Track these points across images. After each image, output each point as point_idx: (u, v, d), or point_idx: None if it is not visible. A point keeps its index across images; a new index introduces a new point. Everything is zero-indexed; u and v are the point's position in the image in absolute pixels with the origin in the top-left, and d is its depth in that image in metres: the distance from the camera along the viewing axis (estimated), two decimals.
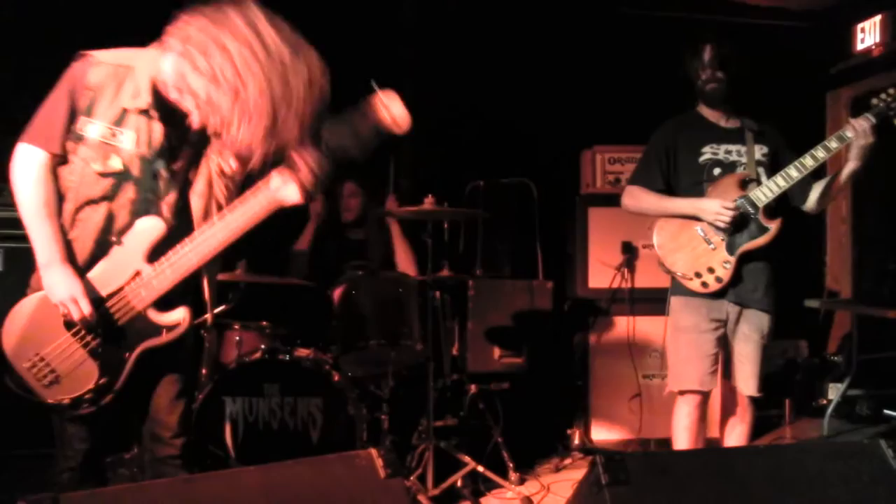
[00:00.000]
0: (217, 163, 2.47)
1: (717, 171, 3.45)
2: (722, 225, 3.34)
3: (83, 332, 2.37)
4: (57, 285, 2.34)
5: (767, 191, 3.34)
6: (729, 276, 3.36)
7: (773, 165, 3.44)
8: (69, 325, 2.37)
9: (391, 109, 2.32)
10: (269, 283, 4.18)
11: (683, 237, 3.43)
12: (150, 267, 2.38)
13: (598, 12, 5.22)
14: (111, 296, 2.38)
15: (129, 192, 2.38)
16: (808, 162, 3.31)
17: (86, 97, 2.34)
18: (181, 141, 2.42)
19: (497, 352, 5.00)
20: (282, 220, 2.49)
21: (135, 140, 2.36)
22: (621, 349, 4.71)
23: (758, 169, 3.43)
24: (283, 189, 2.34)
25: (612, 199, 4.76)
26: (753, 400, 3.47)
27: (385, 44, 4.99)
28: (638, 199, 3.59)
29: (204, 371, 3.98)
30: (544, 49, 5.18)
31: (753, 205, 3.35)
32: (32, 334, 2.39)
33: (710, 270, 3.38)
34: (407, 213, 4.16)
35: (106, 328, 2.38)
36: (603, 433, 4.80)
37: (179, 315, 2.43)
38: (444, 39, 5.07)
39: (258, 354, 3.90)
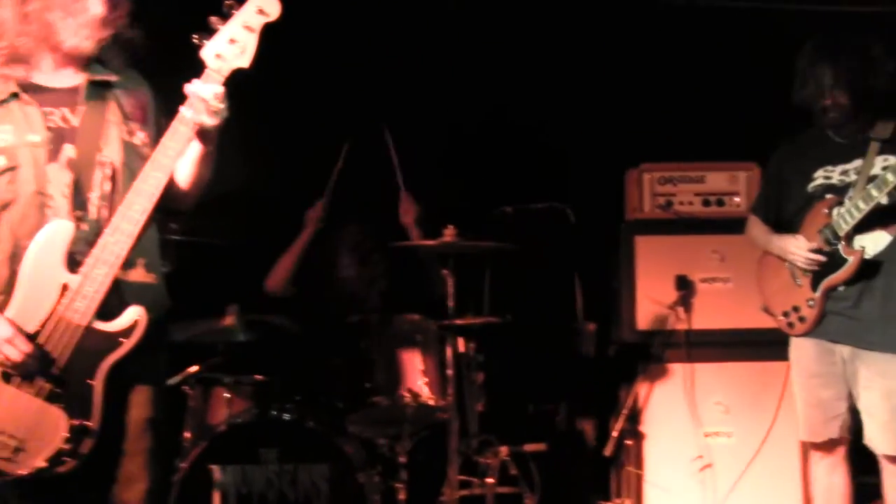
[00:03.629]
0: (124, 130, 2.55)
1: (828, 197, 3.44)
2: (802, 265, 3.44)
3: (30, 378, 2.34)
4: None
5: (848, 216, 3.31)
6: (815, 316, 3.44)
7: None
8: (6, 376, 2.34)
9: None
10: (263, 330, 4.21)
11: (777, 272, 3.61)
12: (76, 275, 2.37)
13: (643, 3, 5.16)
14: (45, 323, 2.36)
15: (29, 186, 2.43)
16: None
17: None
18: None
19: (531, 407, 4.99)
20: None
21: (14, 131, 2.46)
22: (678, 403, 4.65)
23: (869, 187, 3.29)
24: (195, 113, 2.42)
25: (662, 226, 4.83)
26: None
27: (398, 46, 5.03)
28: (749, 228, 3.80)
29: (187, 435, 3.98)
30: (581, 50, 5.16)
31: (835, 233, 3.36)
32: None
33: (796, 310, 3.51)
34: (424, 246, 4.16)
35: (53, 363, 2.35)
36: (659, 502, 4.74)
37: (132, 315, 2.40)
38: (465, 41, 5.08)
39: (251, 414, 3.89)
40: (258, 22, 2.43)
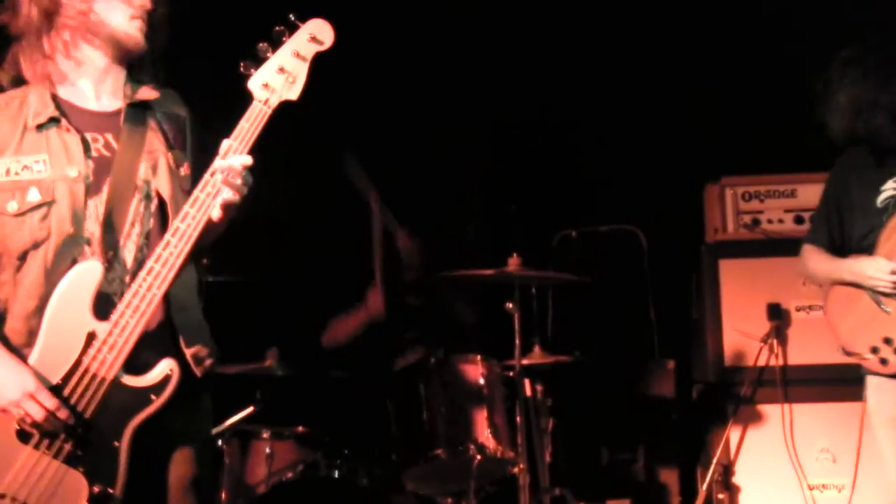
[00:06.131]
0: (171, 158, 2.51)
1: None
2: (887, 289, 3.27)
3: (50, 437, 2.30)
4: (2, 386, 2.28)
5: None
6: None
7: None
8: (23, 435, 2.29)
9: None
10: (308, 376, 4.21)
11: (854, 303, 3.40)
12: (104, 323, 2.33)
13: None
14: (69, 375, 2.32)
15: (65, 226, 2.40)
16: None
17: None
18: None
19: (607, 455, 4.91)
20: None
21: (50, 161, 2.42)
22: (775, 450, 4.56)
23: None
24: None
25: (749, 248, 4.75)
26: None
27: (454, 60, 5.03)
28: (805, 262, 3.63)
29: (223, 496, 3.94)
30: (650, 52, 5.14)
31: None
32: None
33: (888, 342, 3.29)
34: (483, 276, 4.12)
35: (76, 421, 2.31)
36: None
37: (164, 368, 2.36)
38: (523, 49, 5.08)
39: (296, 472, 3.88)
40: (310, 50, 2.44)
